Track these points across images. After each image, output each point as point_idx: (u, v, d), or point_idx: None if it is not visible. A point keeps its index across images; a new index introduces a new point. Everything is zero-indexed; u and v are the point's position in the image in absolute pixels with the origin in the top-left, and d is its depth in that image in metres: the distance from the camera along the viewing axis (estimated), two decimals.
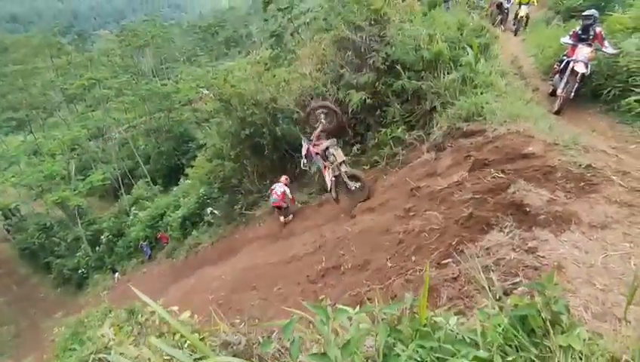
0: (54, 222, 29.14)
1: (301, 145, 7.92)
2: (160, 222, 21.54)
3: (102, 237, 25.35)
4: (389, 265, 4.16)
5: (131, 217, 25.63)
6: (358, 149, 9.04)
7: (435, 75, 7.12)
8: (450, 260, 3.30)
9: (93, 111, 36.18)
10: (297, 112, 10.36)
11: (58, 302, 23.90)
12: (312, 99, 9.58)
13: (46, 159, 29.05)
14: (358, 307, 1.59)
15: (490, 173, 4.15)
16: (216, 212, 15.58)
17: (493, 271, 2.69)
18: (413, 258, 3.96)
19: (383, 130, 8.25)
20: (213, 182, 13.89)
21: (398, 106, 8.08)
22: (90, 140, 34.52)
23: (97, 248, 25.43)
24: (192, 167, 15.69)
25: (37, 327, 20.84)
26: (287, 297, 5.46)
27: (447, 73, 6.95)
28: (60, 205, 26.74)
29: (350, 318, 1.51)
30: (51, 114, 38.39)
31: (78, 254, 25.87)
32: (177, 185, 25.56)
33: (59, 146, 30.73)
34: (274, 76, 11.33)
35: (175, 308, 2.18)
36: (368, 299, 3.53)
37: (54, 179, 27.11)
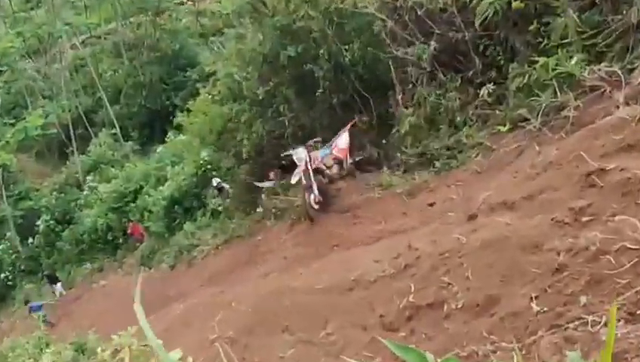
0: None
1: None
2: (132, 203, 23.30)
3: (38, 222, 27.76)
4: (535, 308, 4.21)
5: (86, 192, 27.75)
6: (489, 94, 9.09)
7: None
8: None
9: (32, 9, 39.04)
10: (383, 20, 10.53)
11: None
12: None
13: None
14: None
15: None
16: (226, 186, 16.44)
17: None
18: (584, 299, 3.98)
19: (541, 59, 8.18)
20: (225, 141, 14.57)
21: (575, 15, 7.91)
22: (26, 58, 37.51)
23: (30, 240, 28.00)
24: (188, 112, 16.44)
25: None
26: (342, 349, 5.72)
27: None
28: None
29: None
30: None
31: None
32: (164, 142, 26.99)
33: None
34: None
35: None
36: None
37: None
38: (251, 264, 12.15)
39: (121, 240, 23.71)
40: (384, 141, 11.96)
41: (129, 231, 22.51)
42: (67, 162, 32.56)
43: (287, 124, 12.70)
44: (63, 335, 12.59)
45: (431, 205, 8.95)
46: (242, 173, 15.07)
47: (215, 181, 16.23)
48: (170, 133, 26.10)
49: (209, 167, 18.14)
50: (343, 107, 12.36)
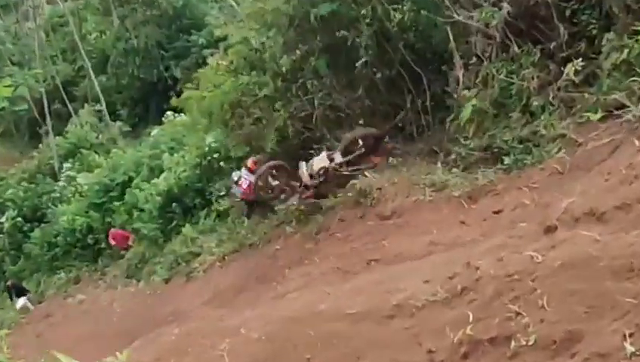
0: None
1: None
2: (118, 201, 23.33)
3: (2, 219, 28.03)
4: (629, 348, 4.19)
5: (62, 183, 27.97)
6: (576, 72, 9.03)
7: None
8: None
9: None
10: None
11: None
12: None
13: None
14: None
15: None
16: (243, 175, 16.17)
17: None
18: None
19: None
20: (238, 123, 14.65)
21: None
22: None
23: None
24: (192, 85, 16.29)
25: None
26: None
27: None
28: None
29: None
30: None
31: None
32: (160, 123, 27.10)
33: None
34: None
35: None
36: None
37: None
38: (266, 280, 12.15)
39: (103, 245, 23.59)
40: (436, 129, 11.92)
41: (110, 240, 22.47)
42: (40, 145, 32.87)
43: (316, 104, 12.67)
44: None
45: (497, 213, 8.87)
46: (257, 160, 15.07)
47: (236, 175, 16.00)
48: (168, 113, 26.05)
49: (216, 155, 18.07)
50: (388, 85, 12.31)
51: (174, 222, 19.67)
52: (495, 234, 7.81)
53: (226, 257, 15.48)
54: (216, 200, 18.12)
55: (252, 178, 13.93)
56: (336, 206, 12.33)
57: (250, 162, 14.14)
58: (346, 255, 10.40)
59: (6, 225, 27.59)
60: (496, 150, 10.17)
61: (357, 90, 12.43)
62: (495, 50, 10.50)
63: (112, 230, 22.34)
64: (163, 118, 26.77)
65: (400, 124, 12.81)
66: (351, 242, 10.82)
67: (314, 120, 12.83)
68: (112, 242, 22.28)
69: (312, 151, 13.35)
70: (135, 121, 32.15)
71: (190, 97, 16.05)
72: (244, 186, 14.30)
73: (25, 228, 27.14)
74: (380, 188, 11.52)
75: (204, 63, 17.27)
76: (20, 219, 27.48)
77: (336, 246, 11.13)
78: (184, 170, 19.61)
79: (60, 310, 22.02)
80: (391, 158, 12.38)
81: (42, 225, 26.64)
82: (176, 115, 24.40)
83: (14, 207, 28.01)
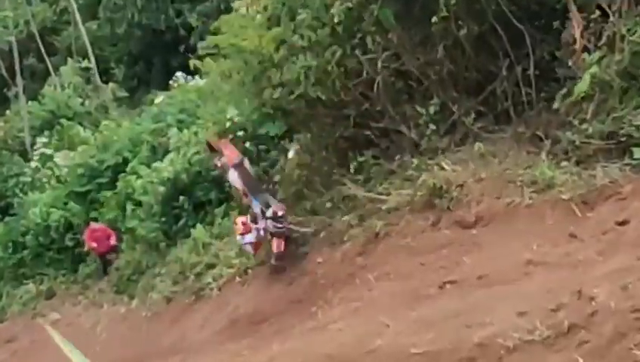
0: None
1: None
2: (108, 190, 23.39)
3: None
4: None
5: (35, 164, 28.47)
6: None
7: None
8: None
9: None
10: None
11: None
12: None
13: None
14: None
15: None
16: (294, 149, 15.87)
17: None
18: None
19: None
20: (270, 90, 14.40)
21: None
22: None
23: None
24: (213, 36, 15.98)
25: None
26: None
27: None
28: None
29: None
30: None
31: None
32: (167, 88, 27.35)
33: None
34: None
35: None
36: None
37: None
38: (303, 305, 12.21)
39: (86, 248, 23.24)
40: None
41: (87, 240, 22.42)
42: (7, 112, 33.40)
43: (378, 66, 12.68)
44: None
45: (621, 224, 8.76)
46: (300, 146, 15.22)
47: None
48: (178, 74, 26.27)
49: (240, 133, 17.95)
50: (477, 45, 12.22)
51: (181, 222, 19.61)
52: (618, 254, 7.78)
53: (249, 271, 15.38)
54: None
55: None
56: (400, 207, 12.16)
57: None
58: (413, 274, 10.43)
59: None
60: (623, 139, 10.02)
61: (434, 51, 12.38)
62: (627, 2, 10.37)
63: (91, 225, 22.40)
64: (170, 82, 26.89)
65: (491, 99, 12.71)
66: (419, 256, 10.79)
67: (375, 88, 12.81)
68: (91, 244, 22.23)
69: (368, 133, 13.32)
70: (133, 84, 32.48)
71: (221, 49, 15.42)
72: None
73: None
74: (461, 186, 11.45)
75: (228, 10, 17.17)
76: None
77: (398, 262, 11.11)
78: (197, 152, 19.41)
79: (27, 333, 22.07)
80: (477, 144, 12.16)
81: (6, 219, 26.87)
82: (189, 77, 24.58)
83: None
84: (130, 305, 19.18)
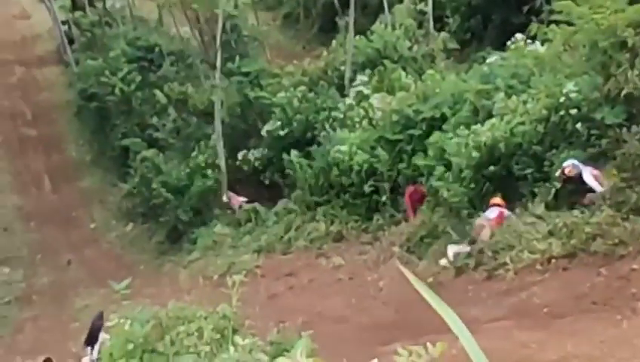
0: None
1: None
2: (420, 144, 23.12)
3: (267, 128, 30.11)
4: None
5: (350, 101, 28.62)
6: None
7: None
8: None
9: None
10: None
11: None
12: None
13: None
14: None
15: None
16: None
17: None
18: None
19: None
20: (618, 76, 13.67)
21: None
22: None
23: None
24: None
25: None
26: None
27: None
28: None
29: None
30: None
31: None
32: (502, 48, 26.67)
33: None
34: None
35: None
36: None
37: None
38: (607, 310, 11.66)
39: (384, 198, 23.66)
40: None
41: (406, 199, 22.72)
42: (332, 42, 34.11)
43: None
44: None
45: None
46: None
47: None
48: (517, 35, 25.50)
49: (573, 112, 16.95)
50: None
51: (485, 192, 19.29)
52: None
53: (552, 260, 14.66)
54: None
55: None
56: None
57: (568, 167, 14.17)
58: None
59: (267, 135, 29.57)
60: None
61: None
62: None
63: (410, 187, 22.62)
64: (508, 42, 26.22)
65: None
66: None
67: None
68: (408, 202, 22.45)
69: None
70: (466, 38, 32.08)
71: (570, 17, 14.90)
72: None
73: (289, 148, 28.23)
74: None
75: None
76: (284, 132, 28.82)
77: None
78: (522, 123, 18.86)
79: (307, 270, 22.64)
80: None
81: (311, 148, 27.44)
82: (529, 41, 23.68)
83: (281, 117, 29.49)
84: (417, 267, 18.66)
